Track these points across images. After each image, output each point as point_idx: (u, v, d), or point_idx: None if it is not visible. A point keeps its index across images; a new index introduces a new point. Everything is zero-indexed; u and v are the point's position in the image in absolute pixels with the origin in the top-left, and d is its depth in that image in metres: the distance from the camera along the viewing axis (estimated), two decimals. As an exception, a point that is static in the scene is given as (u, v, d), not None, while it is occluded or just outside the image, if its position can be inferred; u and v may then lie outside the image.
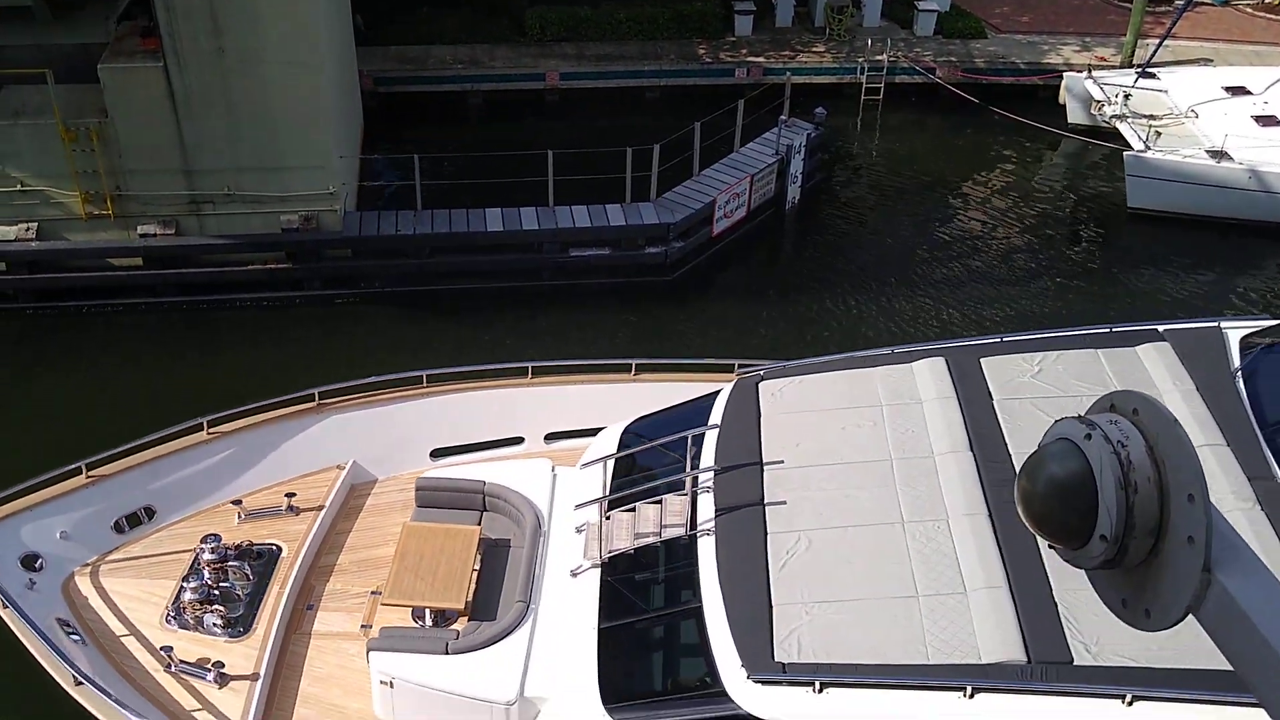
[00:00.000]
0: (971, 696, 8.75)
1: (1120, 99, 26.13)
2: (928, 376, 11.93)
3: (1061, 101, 28.62)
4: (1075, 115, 28.20)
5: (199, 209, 20.78)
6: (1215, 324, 12.18)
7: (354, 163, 23.42)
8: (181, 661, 11.40)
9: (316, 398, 13.80)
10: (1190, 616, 6.03)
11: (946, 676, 8.86)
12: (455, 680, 10.56)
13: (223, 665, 11.38)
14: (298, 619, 12.10)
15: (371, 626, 11.42)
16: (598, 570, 11.07)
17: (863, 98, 29.18)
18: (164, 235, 20.78)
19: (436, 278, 21.89)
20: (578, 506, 11.87)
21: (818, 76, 29.24)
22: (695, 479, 11.35)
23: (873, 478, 10.82)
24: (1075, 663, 8.83)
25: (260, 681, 11.27)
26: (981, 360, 12.05)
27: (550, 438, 14.11)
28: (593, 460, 12.29)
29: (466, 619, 11.35)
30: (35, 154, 19.86)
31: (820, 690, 9.02)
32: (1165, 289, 23.05)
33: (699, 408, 12.42)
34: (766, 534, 10.43)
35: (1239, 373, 11.33)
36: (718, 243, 23.39)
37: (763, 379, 12.52)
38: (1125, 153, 24.78)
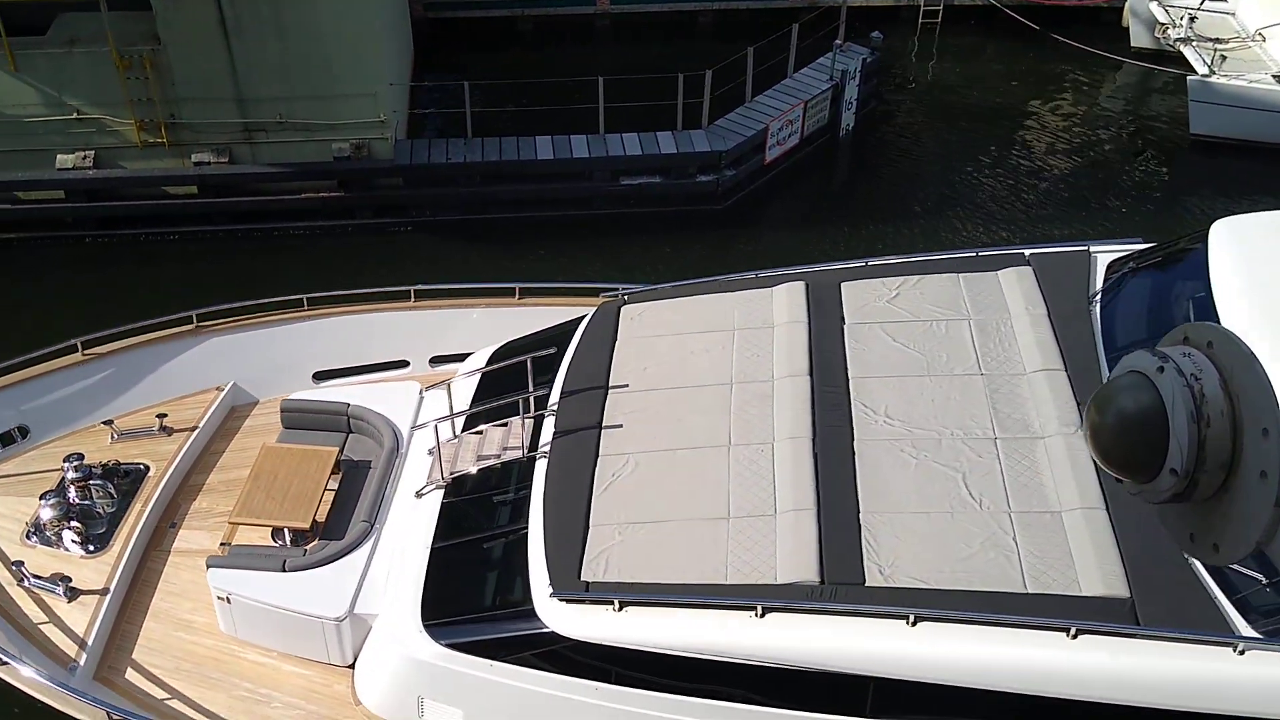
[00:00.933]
0: (763, 616, 8.92)
1: (1185, 22, 25.38)
2: (784, 301, 11.95)
3: (1125, 24, 27.89)
4: (1139, 39, 27.49)
5: (252, 137, 20.84)
6: (1085, 248, 12.07)
7: (404, 90, 23.34)
8: (34, 576, 11.62)
9: (194, 320, 13.84)
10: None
11: (740, 596, 9.04)
12: (287, 597, 10.81)
13: (70, 580, 11.59)
14: (159, 537, 12.30)
15: (230, 545, 11.64)
16: (441, 491, 11.25)
17: (920, 21, 28.57)
18: (218, 163, 20.89)
19: (487, 206, 21.87)
20: (415, 428, 12.16)
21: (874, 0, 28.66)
22: (544, 401, 11.56)
23: (711, 401, 10.93)
24: (867, 584, 8.97)
25: (109, 595, 11.49)
26: (842, 285, 12.04)
27: (436, 361, 14.11)
28: (454, 382, 12.47)
29: (317, 538, 11.58)
30: (90, 82, 19.97)
31: (620, 609, 9.26)
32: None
33: (565, 331, 12.55)
34: (598, 456, 10.63)
35: (1097, 297, 11.22)
36: (770, 170, 23.14)
37: (626, 302, 12.64)
38: (1189, 77, 24.14)
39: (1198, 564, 8.44)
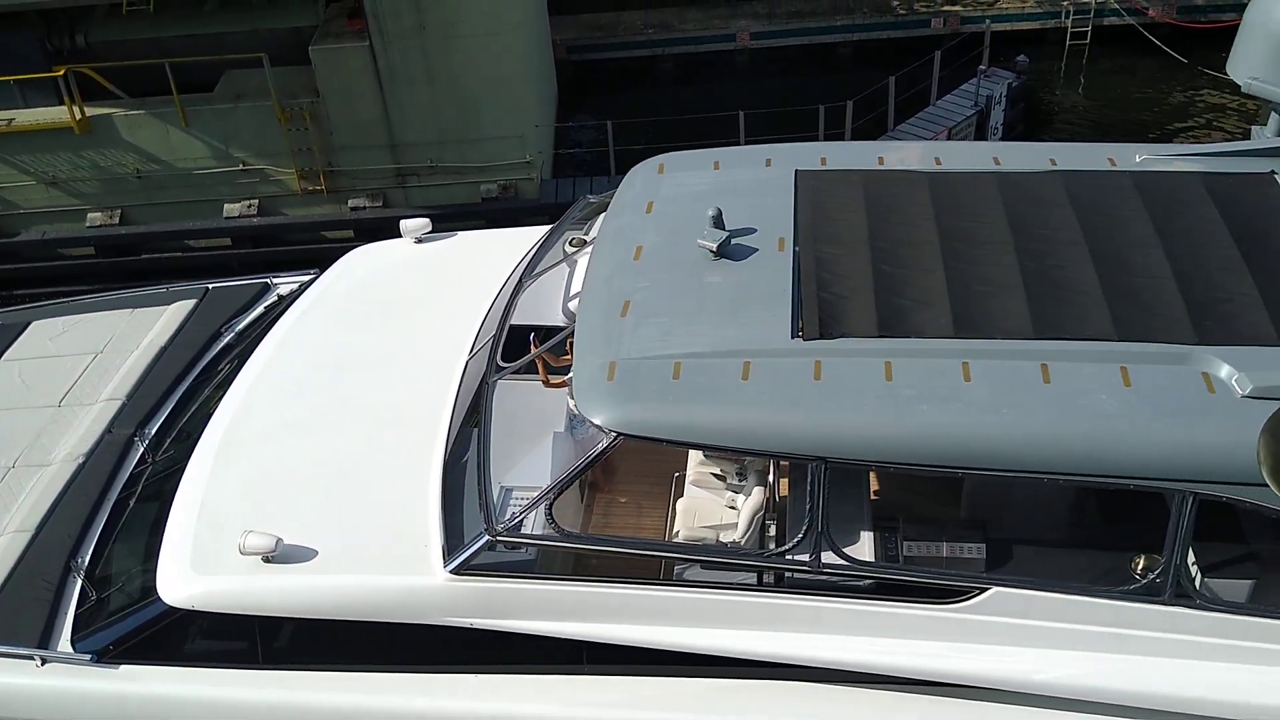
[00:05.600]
0: None
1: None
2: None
3: None
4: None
5: (404, 181, 21.60)
6: (267, 279, 12.67)
7: (549, 131, 23.88)
8: None
9: None
10: None
11: None
12: None
13: None
14: None
15: None
16: None
17: (1068, 43, 27.92)
18: (372, 207, 21.70)
19: (631, 242, 22.15)
20: None
21: (1019, 23, 28.09)
22: None
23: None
24: None
25: None
26: (33, 323, 12.01)
27: None
28: None
29: None
30: (254, 134, 21.01)
31: None
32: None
33: None
34: None
35: (227, 331, 11.57)
36: (914, 199, 22.87)
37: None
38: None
39: (77, 583, 8.92)
